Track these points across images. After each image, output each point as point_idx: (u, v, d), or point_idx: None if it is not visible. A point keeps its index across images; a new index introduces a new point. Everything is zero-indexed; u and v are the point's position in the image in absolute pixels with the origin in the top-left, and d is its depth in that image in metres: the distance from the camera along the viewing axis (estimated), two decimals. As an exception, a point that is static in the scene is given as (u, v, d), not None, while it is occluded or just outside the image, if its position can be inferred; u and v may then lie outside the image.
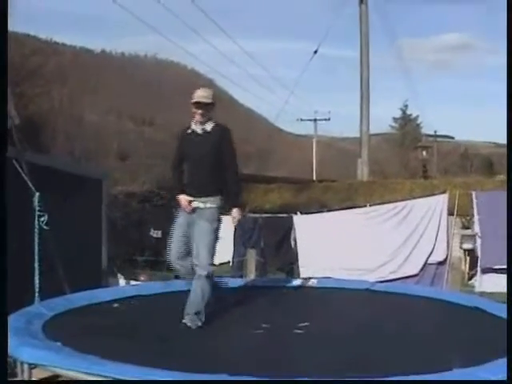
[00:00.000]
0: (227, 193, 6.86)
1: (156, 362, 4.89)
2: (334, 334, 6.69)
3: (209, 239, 6.74)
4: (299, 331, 6.52)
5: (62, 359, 4.86)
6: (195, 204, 6.77)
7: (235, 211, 6.92)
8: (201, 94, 6.78)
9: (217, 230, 6.84)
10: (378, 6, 28.32)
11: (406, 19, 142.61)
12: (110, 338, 5.92)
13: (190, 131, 6.89)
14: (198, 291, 6.73)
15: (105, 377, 4.50)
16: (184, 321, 6.60)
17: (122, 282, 11.80)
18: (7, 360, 4.80)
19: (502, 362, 5.00)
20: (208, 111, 6.80)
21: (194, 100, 6.73)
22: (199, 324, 6.61)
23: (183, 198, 6.80)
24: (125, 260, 13.83)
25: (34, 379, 4.98)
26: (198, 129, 6.82)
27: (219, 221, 6.86)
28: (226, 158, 6.82)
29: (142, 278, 12.84)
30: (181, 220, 6.87)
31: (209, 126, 6.81)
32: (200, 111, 6.74)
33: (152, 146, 50.70)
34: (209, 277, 6.77)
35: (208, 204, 6.76)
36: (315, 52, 27.35)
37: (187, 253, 6.84)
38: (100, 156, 35.73)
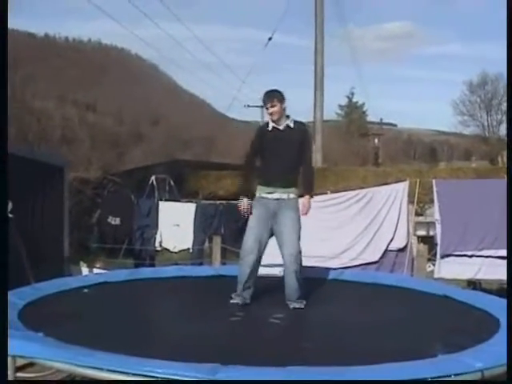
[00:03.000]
0: (302, 184, 7.39)
1: (141, 349, 4.88)
2: (309, 323, 6.78)
3: (298, 227, 7.22)
4: (275, 321, 6.58)
5: (52, 352, 4.78)
6: (278, 196, 7.19)
7: (307, 200, 7.33)
8: (272, 95, 7.24)
9: (299, 218, 7.27)
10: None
11: (350, 7, 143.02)
12: (90, 326, 5.91)
13: (270, 128, 7.25)
14: (294, 278, 7.11)
15: (99, 369, 4.47)
16: (291, 306, 7.10)
17: (84, 270, 11.70)
18: (7, 360, 4.70)
19: (483, 348, 5.14)
20: (280, 109, 7.19)
21: (267, 102, 7.17)
22: (304, 303, 7.16)
23: (245, 202, 7.21)
24: (82, 248, 13.71)
25: (34, 379, 4.89)
26: (280, 126, 7.22)
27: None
28: (305, 153, 7.36)
29: (98, 265, 12.73)
30: (262, 213, 7.23)
31: (290, 122, 7.25)
32: (273, 110, 7.16)
33: (96, 132, 50.24)
34: (300, 263, 7.16)
35: (291, 195, 7.23)
36: (270, 39, 27.35)
37: (260, 247, 7.20)
38: (47, 141, 35.27)
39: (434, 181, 11.52)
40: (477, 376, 4.54)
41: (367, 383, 4.35)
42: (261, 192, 7.27)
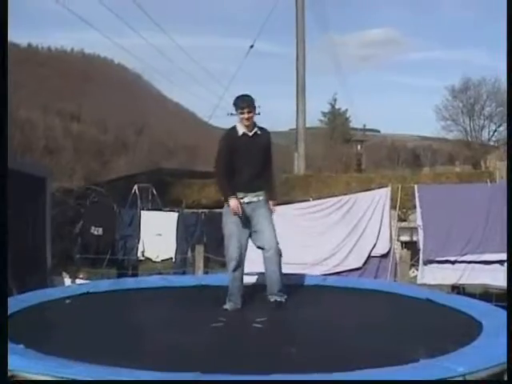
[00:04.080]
0: (267, 189, 7.58)
1: (123, 360, 4.84)
2: (292, 328, 6.76)
3: (272, 223, 7.44)
4: (258, 325, 6.57)
5: (31, 364, 4.73)
6: (249, 199, 7.38)
7: (271, 203, 7.60)
8: (250, 101, 7.34)
9: (272, 215, 7.56)
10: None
11: (332, 14, 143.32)
12: (72, 337, 5.87)
13: (240, 134, 7.36)
14: (276, 269, 7.37)
15: (78, 381, 4.43)
16: (272, 299, 7.37)
17: (67, 280, 11.64)
18: (7, 360, 4.66)
19: (465, 352, 5.13)
20: (253, 115, 7.36)
21: (245, 108, 7.26)
22: (285, 297, 7.40)
23: (236, 201, 7.25)
24: (65, 258, 13.64)
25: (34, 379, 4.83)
26: (248, 132, 7.34)
27: None
28: (268, 158, 7.58)
29: (81, 276, 12.68)
30: (236, 220, 7.33)
31: (257, 129, 7.41)
32: (249, 116, 7.27)
33: (80, 142, 50.14)
34: (281, 255, 7.40)
35: (261, 197, 7.47)
36: (251, 47, 27.43)
37: (242, 252, 7.40)
38: (30, 152, 35.14)
39: (415, 186, 11.52)
40: (459, 380, 4.53)
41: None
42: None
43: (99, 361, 4.78)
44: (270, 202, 7.55)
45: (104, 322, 6.63)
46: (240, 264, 7.36)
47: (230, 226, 7.36)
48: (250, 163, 7.33)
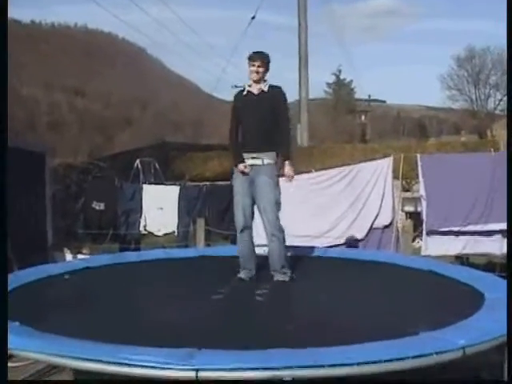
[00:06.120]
0: (278, 148, 7.22)
1: (122, 337, 4.80)
2: (291, 301, 6.73)
3: (273, 194, 7.13)
4: (259, 298, 6.52)
5: (26, 342, 4.69)
6: (252, 161, 7.14)
7: (288, 168, 7.24)
8: (263, 55, 7.19)
9: (278, 184, 7.20)
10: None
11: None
12: (68, 314, 5.81)
13: (245, 93, 7.25)
14: (277, 247, 7.16)
15: (73, 358, 4.39)
16: (275, 278, 7.14)
17: (68, 256, 11.62)
18: (7, 360, 4.62)
19: (465, 324, 5.07)
20: (264, 72, 7.18)
21: (255, 60, 7.13)
22: (289, 275, 7.19)
23: (243, 165, 7.11)
24: (67, 234, 13.61)
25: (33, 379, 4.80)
26: (254, 89, 7.21)
27: (277, 176, 7.24)
28: (280, 117, 7.19)
29: (84, 251, 12.65)
30: (240, 184, 7.23)
31: (265, 87, 7.19)
32: (258, 70, 7.12)
33: (84, 117, 50.07)
34: (282, 231, 7.19)
35: (266, 160, 7.13)
36: (253, 18, 27.11)
37: (249, 218, 7.26)
38: (33, 128, 35.06)
39: (418, 156, 11.38)
40: (459, 353, 4.48)
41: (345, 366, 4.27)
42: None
43: (94, 337, 4.72)
44: (286, 163, 7.24)
45: (102, 298, 6.60)
46: (245, 229, 7.22)
47: (236, 191, 7.27)
48: (254, 123, 7.12)
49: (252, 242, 7.34)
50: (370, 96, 62.07)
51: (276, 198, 7.13)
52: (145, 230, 12.89)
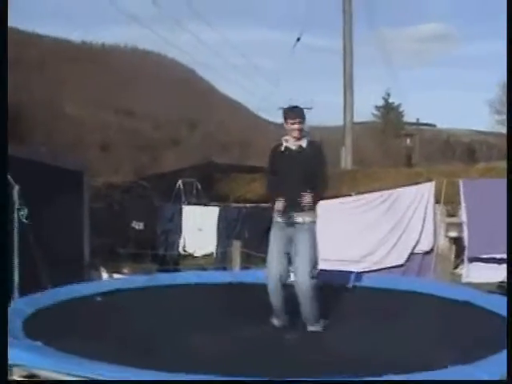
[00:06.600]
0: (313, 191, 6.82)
1: (142, 361, 4.72)
2: (326, 331, 6.62)
3: (312, 252, 6.79)
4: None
5: (40, 360, 4.67)
6: (292, 220, 6.80)
7: (309, 196, 6.77)
8: (301, 112, 6.98)
9: (316, 243, 6.90)
10: None
11: (384, 9, 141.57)
12: (93, 336, 5.79)
13: (283, 149, 6.99)
14: (307, 303, 6.78)
15: (86, 377, 4.34)
16: (309, 328, 6.80)
17: (104, 275, 11.62)
18: (7, 360, 4.60)
19: (496, 360, 4.88)
20: (303, 128, 6.93)
21: (296, 118, 6.85)
22: (321, 326, 6.84)
23: (280, 203, 6.73)
24: (106, 253, 13.64)
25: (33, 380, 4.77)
26: (293, 145, 6.92)
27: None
28: (318, 172, 6.88)
29: (125, 271, 12.68)
30: (278, 234, 6.94)
31: (303, 143, 6.92)
32: (300, 127, 6.85)
33: (133, 137, 50.50)
34: (312, 288, 6.75)
35: (306, 218, 6.82)
36: (298, 39, 27.17)
37: (287, 269, 6.92)
38: (81, 148, 35.42)
39: (460, 181, 11.18)
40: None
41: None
42: (277, 216, 6.92)
43: (116, 360, 4.67)
44: (309, 194, 6.73)
45: (129, 322, 6.57)
46: (278, 282, 6.85)
47: (271, 241, 6.98)
48: (291, 181, 6.79)
49: (282, 296, 6.93)
50: (418, 119, 61.51)
51: (314, 257, 6.81)
52: (184, 250, 12.87)
